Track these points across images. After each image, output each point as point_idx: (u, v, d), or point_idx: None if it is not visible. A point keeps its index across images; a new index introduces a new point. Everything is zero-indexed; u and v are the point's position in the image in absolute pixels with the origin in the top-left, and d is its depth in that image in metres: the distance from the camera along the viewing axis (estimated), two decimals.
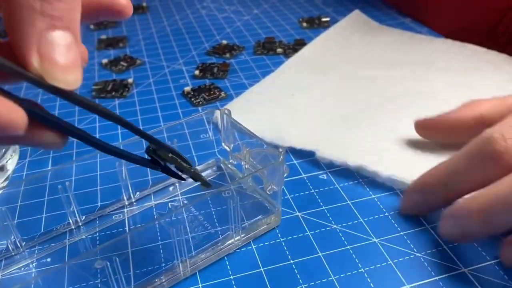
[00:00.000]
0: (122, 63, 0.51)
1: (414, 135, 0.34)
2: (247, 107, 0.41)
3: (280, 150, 0.28)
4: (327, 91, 0.42)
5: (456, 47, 0.48)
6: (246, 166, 0.32)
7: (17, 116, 0.17)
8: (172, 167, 0.27)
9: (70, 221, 0.30)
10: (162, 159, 0.26)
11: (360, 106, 0.40)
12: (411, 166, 0.31)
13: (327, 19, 0.59)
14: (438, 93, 0.40)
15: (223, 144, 0.33)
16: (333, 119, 0.38)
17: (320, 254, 0.28)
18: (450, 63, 0.45)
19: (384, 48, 0.50)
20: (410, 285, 0.25)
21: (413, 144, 0.34)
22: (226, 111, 0.32)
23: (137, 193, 0.32)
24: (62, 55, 0.18)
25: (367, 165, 0.32)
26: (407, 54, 0.48)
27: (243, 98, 0.42)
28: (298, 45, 0.52)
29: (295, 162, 0.35)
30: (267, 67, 0.49)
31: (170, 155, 0.26)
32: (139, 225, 0.30)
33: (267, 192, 0.29)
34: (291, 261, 0.27)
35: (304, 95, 0.42)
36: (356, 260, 0.27)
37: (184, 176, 0.28)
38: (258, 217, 0.29)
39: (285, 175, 0.31)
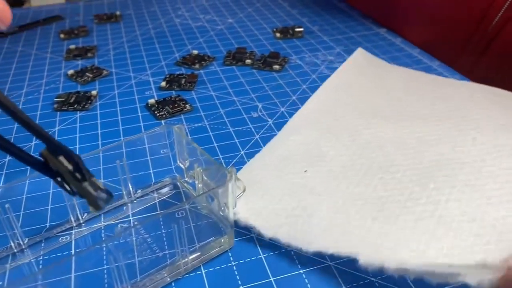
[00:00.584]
0: (88, 74, 0.49)
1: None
2: (254, 193, 0.32)
3: (229, 169, 0.26)
4: (345, 162, 0.34)
5: (485, 93, 0.41)
6: (200, 185, 0.30)
7: None
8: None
9: (12, 244, 0.29)
10: (54, 165, 0.24)
11: (391, 185, 0.31)
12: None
13: (301, 29, 0.58)
14: (483, 162, 0.32)
15: (178, 161, 0.32)
16: (362, 208, 0.29)
17: (272, 279, 0.27)
18: (486, 116, 0.37)
19: (402, 97, 0.41)
20: None
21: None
22: (177, 128, 0.31)
23: (85, 214, 0.31)
24: None
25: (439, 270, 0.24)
26: (432, 103, 0.40)
27: (249, 173, 0.34)
28: (271, 57, 0.51)
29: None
30: (236, 78, 0.48)
31: (63, 163, 0.23)
32: (84, 248, 0.29)
33: (221, 212, 0.28)
34: (241, 287, 0.26)
35: (319, 170, 0.33)
36: (309, 285, 0.26)
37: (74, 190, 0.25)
38: (210, 239, 0.28)
39: (240, 194, 0.30)
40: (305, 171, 0.33)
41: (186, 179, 0.32)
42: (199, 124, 0.41)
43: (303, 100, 0.44)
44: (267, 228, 0.29)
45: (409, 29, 0.56)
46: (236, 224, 0.29)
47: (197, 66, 0.50)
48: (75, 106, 0.44)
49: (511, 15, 0.45)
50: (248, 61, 0.50)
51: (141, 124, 0.41)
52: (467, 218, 0.28)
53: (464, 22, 0.49)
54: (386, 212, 0.29)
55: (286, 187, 0.32)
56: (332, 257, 0.27)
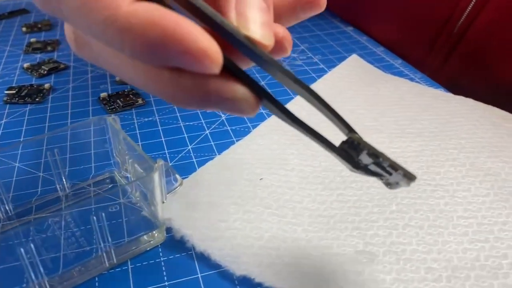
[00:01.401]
0: (43, 67, 0.48)
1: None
2: (193, 201, 0.30)
3: (157, 163, 0.26)
4: (307, 173, 0.32)
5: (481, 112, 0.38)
6: (133, 178, 0.30)
7: (212, 47, 0.15)
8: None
9: None
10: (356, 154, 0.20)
11: (349, 203, 0.29)
12: None
13: None
14: (458, 186, 0.30)
15: (115, 154, 0.31)
16: (310, 226, 0.27)
17: (199, 275, 0.26)
18: (473, 136, 0.35)
19: (387, 110, 0.39)
20: None
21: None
22: (112, 119, 0.30)
23: (11, 205, 0.30)
24: (257, 15, 0.17)
25: None
26: (416, 119, 0.38)
27: (201, 176, 0.32)
28: None
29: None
30: None
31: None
32: (10, 242, 0.28)
33: (152, 207, 0.27)
34: (166, 283, 0.25)
35: (276, 178, 0.31)
36: (236, 281, 0.25)
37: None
38: (140, 234, 0.27)
39: (176, 187, 0.29)
40: (261, 179, 0.32)
41: (122, 172, 0.31)
42: (150, 118, 0.40)
43: None
44: (201, 239, 0.27)
45: (377, 28, 0.56)
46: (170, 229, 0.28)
47: None
48: (26, 99, 0.43)
49: (476, 16, 0.45)
50: None
51: (91, 117, 0.40)
52: (423, 248, 0.26)
53: (431, 22, 0.49)
54: (332, 233, 0.27)
55: (235, 195, 0.30)
56: None
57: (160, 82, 0.17)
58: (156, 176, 0.25)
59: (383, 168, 0.20)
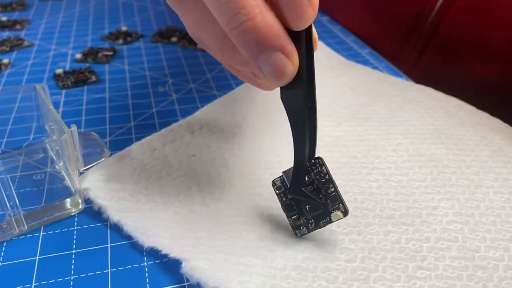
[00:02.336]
0: (7, 43, 0.48)
1: None
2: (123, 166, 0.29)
3: (70, 129, 0.25)
4: (245, 154, 0.31)
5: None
6: (57, 148, 0.29)
7: (294, 72, 0.21)
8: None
9: None
10: None
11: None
12: None
13: None
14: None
15: (45, 123, 0.31)
16: (228, 211, 0.26)
17: (109, 245, 0.25)
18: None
19: (350, 94, 0.38)
20: None
21: None
22: (40, 87, 0.29)
23: None
24: None
25: None
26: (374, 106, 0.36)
27: (138, 147, 0.31)
28: None
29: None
30: (156, 54, 0.47)
31: None
32: None
33: (69, 173, 0.27)
34: (73, 251, 0.25)
35: (209, 156, 0.31)
36: (144, 253, 0.25)
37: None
38: (56, 202, 0.27)
39: (101, 159, 0.29)
40: (193, 156, 0.31)
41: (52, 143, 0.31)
42: (100, 95, 0.40)
43: (218, 78, 0.42)
44: (116, 210, 0.26)
45: (349, 19, 0.55)
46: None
47: (120, 41, 0.49)
48: None
49: (446, 12, 0.44)
50: (174, 39, 0.49)
51: (21, 85, 0.40)
52: (343, 229, 0.25)
53: (403, 16, 0.48)
54: (253, 211, 0.26)
55: (163, 170, 0.29)
56: None
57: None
58: (65, 141, 0.25)
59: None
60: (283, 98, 0.22)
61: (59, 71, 0.43)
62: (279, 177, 0.25)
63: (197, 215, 0.26)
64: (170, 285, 0.23)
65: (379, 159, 0.31)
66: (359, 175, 0.29)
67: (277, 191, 0.25)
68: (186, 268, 0.23)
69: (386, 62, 0.46)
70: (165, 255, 0.24)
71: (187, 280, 0.23)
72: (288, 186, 0.25)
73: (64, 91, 0.40)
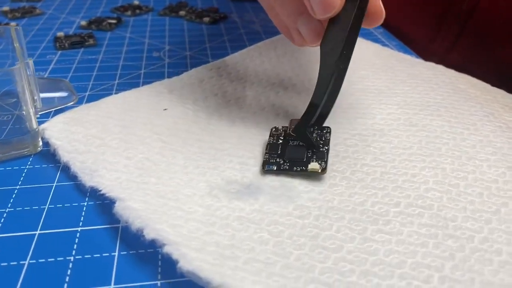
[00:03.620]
0: (20, 10, 0.50)
1: None
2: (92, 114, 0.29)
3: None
4: (219, 111, 0.30)
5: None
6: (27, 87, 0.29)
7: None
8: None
9: None
10: None
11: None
12: None
13: None
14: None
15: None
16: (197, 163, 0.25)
17: (54, 184, 0.24)
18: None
19: (353, 67, 0.32)
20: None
21: None
22: (15, 29, 0.29)
23: None
24: None
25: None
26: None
27: (115, 98, 0.31)
28: (207, 11, 0.50)
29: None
30: (161, 26, 0.47)
31: None
32: None
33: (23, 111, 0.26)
34: (17, 187, 0.24)
35: (183, 112, 0.30)
36: (88, 193, 0.23)
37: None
38: (13, 138, 0.26)
39: (69, 103, 0.28)
40: (165, 109, 0.30)
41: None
42: (94, 57, 0.40)
43: (216, 48, 0.41)
44: (68, 151, 0.25)
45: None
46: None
47: (129, 13, 0.50)
48: None
49: None
50: (182, 12, 0.49)
51: (38, 52, 0.41)
52: (304, 187, 0.23)
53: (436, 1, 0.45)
54: (212, 163, 0.25)
55: (128, 119, 0.28)
56: None
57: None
58: (18, 72, 0.24)
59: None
60: (323, 42, 0.25)
61: (60, 34, 0.43)
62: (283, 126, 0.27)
63: (152, 163, 0.25)
64: (104, 225, 0.22)
65: (364, 126, 0.28)
66: (337, 139, 0.27)
67: (274, 132, 0.27)
68: (119, 207, 0.21)
69: (397, 41, 0.43)
70: (107, 197, 0.23)
71: (122, 223, 0.22)
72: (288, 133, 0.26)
73: (59, 52, 0.41)
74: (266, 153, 0.25)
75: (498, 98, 0.32)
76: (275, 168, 0.24)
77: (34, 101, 0.26)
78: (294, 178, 0.24)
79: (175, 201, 0.22)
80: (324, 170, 0.24)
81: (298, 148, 0.25)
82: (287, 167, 0.24)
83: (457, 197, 0.23)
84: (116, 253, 0.20)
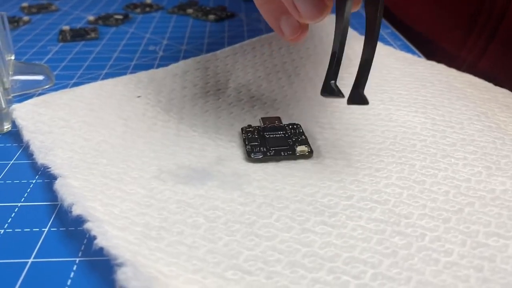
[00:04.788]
0: (36, 6, 0.52)
1: None
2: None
3: None
4: (194, 102, 0.29)
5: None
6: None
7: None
8: None
9: None
10: None
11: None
12: None
13: None
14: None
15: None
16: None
17: (11, 162, 0.25)
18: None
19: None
20: None
21: None
22: (1, 15, 0.31)
23: None
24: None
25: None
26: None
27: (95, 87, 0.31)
28: (214, 9, 0.50)
29: None
30: (165, 22, 0.48)
31: None
32: None
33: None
34: None
35: (156, 99, 0.29)
36: (40, 172, 0.24)
37: None
38: None
39: (44, 86, 0.29)
40: (138, 96, 0.30)
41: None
42: (91, 49, 0.41)
43: (213, 43, 0.41)
44: (31, 131, 0.25)
45: (407, 7, 0.50)
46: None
47: (138, 10, 0.51)
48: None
49: None
50: (189, 10, 0.50)
51: (40, 43, 0.42)
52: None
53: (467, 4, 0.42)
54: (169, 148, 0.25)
55: (97, 103, 0.28)
56: None
57: None
58: None
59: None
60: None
61: (65, 27, 0.45)
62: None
63: (109, 145, 0.25)
64: (44, 202, 0.22)
65: (339, 120, 0.27)
66: (308, 132, 0.26)
67: (247, 129, 0.26)
68: (58, 184, 0.21)
69: (402, 40, 0.41)
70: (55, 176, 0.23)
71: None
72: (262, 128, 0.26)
73: (61, 44, 0.42)
74: (246, 145, 0.25)
75: (498, 98, 0.30)
76: (261, 156, 0.24)
77: (2, 82, 0.26)
78: (250, 167, 0.23)
79: (118, 182, 0.22)
80: (311, 152, 0.24)
81: (278, 138, 0.25)
82: (273, 154, 0.24)
83: (419, 194, 0.21)
84: (46, 229, 0.20)
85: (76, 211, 0.19)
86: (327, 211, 0.20)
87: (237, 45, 0.38)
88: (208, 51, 0.40)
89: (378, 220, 0.19)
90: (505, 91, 0.31)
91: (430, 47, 0.44)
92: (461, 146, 0.24)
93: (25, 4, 0.53)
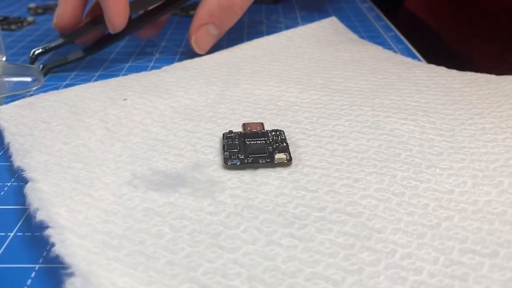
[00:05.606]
0: (43, 7, 0.53)
1: None
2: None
3: None
4: (185, 108, 0.29)
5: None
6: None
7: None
8: None
9: None
10: None
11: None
12: None
13: None
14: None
15: None
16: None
17: None
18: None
19: (340, 67, 0.34)
20: None
21: None
22: None
23: None
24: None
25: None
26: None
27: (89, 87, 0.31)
28: None
29: None
30: (167, 24, 0.47)
31: None
32: None
33: None
34: None
35: (141, 102, 0.29)
36: (16, 175, 0.24)
37: None
38: None
39: (32, 87, 0.29)
40: (124, 99, 0.29)
41: None
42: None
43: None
44: (12, 133, 0.25)
45: (442, 16, 0.48)
46: None
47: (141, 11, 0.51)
48: (7, 25, 0.47)
49: None
50: (192, 12, 0.49)
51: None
52: None
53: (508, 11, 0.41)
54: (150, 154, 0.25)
55: (79, 105, 0.28)
56: None
57: None
58: None
59: None
60: None
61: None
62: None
63: (87, 149, 0.25)
64: (15, 206, 0.22)
65: (325, 127, 0.26)
66: (291, 139, 0.25)
67: (228, 135, 0.25)
68: (27, 188, 0.21)
69: (404, 44, 0.40)
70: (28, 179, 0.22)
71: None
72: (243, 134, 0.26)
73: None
74: (225, 151, 0.24)
75: (501, 88, 0.28)
76: (238, 163, 0.23)
77: None
78: (226, 174, 0.23)
79: (88, 187, 0.22)
80: (290, 160, 0.23)
81: (258, 145, 0.25)
82: (251, 161, 0.23)
83: (396, 207, 0.20)
84: (12, 234, 0.20)
85: (40, 216, 0.19)
86: (297, 223, 0.19)
87: (225, 50, 0.37)
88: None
89: (348, 234, 0.19)
90: (508, 77, 0.29)
91: (466, 61, 0.42)
92: (449, 155, 0.23)
93: (32, 5, 0.54)
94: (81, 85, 0.31)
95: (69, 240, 0.18)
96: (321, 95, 0.30)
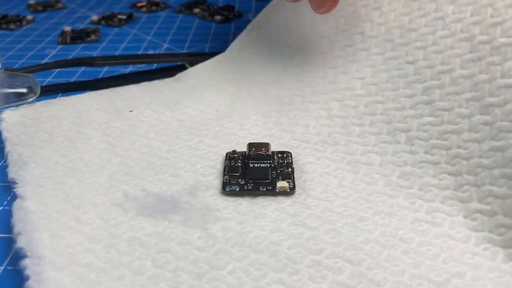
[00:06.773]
0: (42, 4, 0.52)
1: None
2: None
3: None
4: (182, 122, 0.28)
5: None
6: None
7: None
8: None
9: None
10: None
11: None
12: None
13: None
14: None
15: None
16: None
17: None
18: None
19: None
20: None
21: None
22: None
23: None
24: None
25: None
26: None
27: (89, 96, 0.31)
28: (222, 9, 0.49)
29: None
30: (172, 23, 0.47)
31: None
32: None
33: None
34: None
35: (147, 113, 0.29)
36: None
37: None
38: None
39: (28, 98, 0.29)
40: (130, 111, 0.29)
41: None
42: (89, 52, 0.40)
43: (215, 47, 0.40)
44: (12, 143, 0.25)
45: None
46: None
47: (144, 9, 0.51)
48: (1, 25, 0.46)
49: None
50: (196, 10, 0.49)
51: (40, 45, 0.42)
52: None
53: None
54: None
55: (83, 116, 0.28)
56: None
57: None
58: None
59: None
60: None
61: (67, 28, 0.44)
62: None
63: (83, 163, 0.24)
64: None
65: (335, 147, 0.25)
66: (296, 163, 0.24)
67: (231, 155, 0.25)
68: (15, 206, 0.21)
69: None
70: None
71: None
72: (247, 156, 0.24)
73: (60, 46, 0.42)
74: (225, 174, 0.23)
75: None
76: (237, 189, 0.22)
77: None
78: (223, 201, 0.22)
79: (77, 208, 0.21)
80: (293, 189, 0.22)
81: (260, 169, 0.24)
82: (251, 188, 0.22)
83: (402, 256, 0.19)
84: None
85: (20, 242, 0.18)
86: (290, 266, 0.18)
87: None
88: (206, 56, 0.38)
89: (343, 284, 0.17)
90: None
91: None
92: None
93: (32, 2, 0.53)
94: (90, 93, 0.31)
95: (45, 273, 0.17)
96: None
